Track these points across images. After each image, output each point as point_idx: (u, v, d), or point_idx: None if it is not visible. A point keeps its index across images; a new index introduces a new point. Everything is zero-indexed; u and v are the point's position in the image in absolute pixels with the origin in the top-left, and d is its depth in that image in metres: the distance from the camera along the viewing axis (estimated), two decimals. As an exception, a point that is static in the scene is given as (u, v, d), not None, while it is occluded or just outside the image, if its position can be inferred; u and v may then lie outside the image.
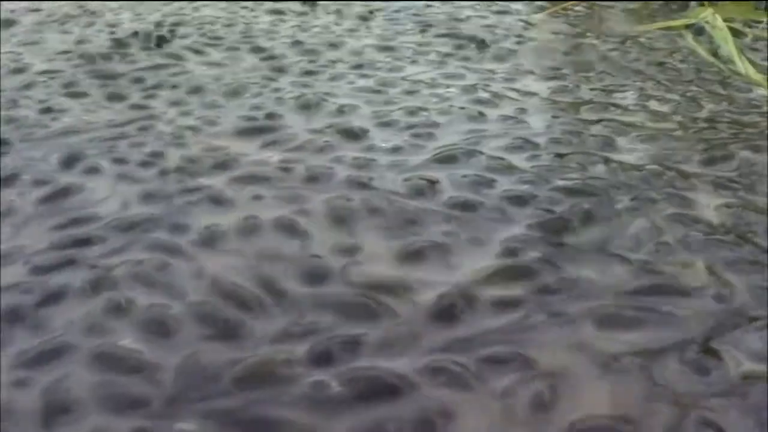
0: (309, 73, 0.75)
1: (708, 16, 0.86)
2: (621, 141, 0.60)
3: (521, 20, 0.92)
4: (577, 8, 0.98)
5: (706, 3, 0.96)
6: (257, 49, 0.82)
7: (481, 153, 0.57)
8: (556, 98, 0.68)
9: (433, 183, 0.54)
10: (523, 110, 0.65)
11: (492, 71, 0.75)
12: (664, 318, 0.41)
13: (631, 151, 0.58)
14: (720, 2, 0.95)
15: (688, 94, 0.70)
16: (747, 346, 0.39)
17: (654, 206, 0.51)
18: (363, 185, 0.53)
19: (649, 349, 0.39)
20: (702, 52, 0.81)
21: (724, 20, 0.88)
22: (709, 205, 0.51)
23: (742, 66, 0.76)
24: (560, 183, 0.53)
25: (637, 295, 0.43)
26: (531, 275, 0.44)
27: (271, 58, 0.79)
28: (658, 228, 0.48)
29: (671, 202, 0.51)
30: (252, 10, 0.97)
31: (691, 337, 0.40)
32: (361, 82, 0.72)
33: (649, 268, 0.45)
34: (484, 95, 0.68)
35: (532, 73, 0.74)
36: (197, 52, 0.82)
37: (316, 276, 0.44)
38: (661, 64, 0.78)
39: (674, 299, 0.43)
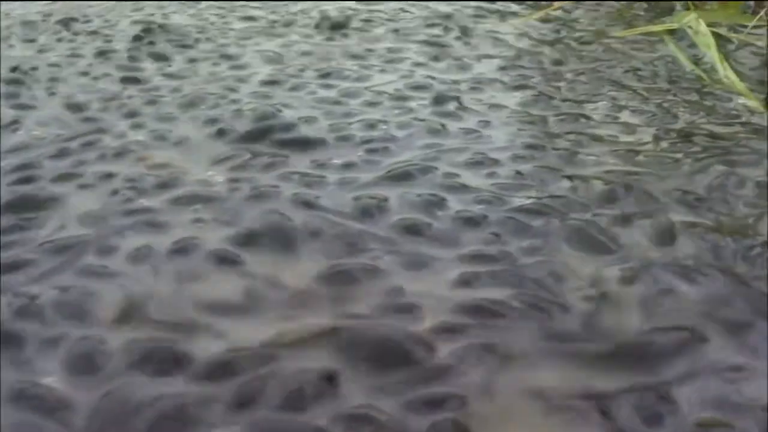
0: (271, 83, 0.72)
1: (691, 20, 0.83)
2: (587, 156, 0.56)
3: (500, 25, 0.89)
4: (557, 12, 0.95)
5: (691, 6, 0.93)
6: (224, 57, 0.79)
7: (437, 170, 0.54)
8: (524, 109, 0.65)
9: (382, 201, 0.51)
10: (487, 123, 0.62)
11: (460, 81, 0.72)
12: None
13: (597, 167, 0.55)
14: (709, 2, 0.92)
15: (665, 104, 0.66)
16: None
17: (610, 229, 0.48)
18: (308, 204, 0.50)
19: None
20: (683, 58, 0.77)
21: (709, 25, 0.85)
22: (672, 228, 0.48)
23: (725, 74, 0.73)
24: (516, 203, 0.50)
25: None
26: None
27: (237, 67, 0.77)
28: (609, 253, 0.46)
29: (629, 224, 0.48)
30: (223, 16, 0.94)
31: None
32: (323, 93, 0.69)
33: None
34: (449, 107, 0.65)
35: (502, 82, 0.71)
36: (160, 59, 0.79)
37: (242, 305, 0.41)
38: (638, 71, 0.74)
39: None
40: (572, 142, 0.58)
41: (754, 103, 0.67)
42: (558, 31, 0.87)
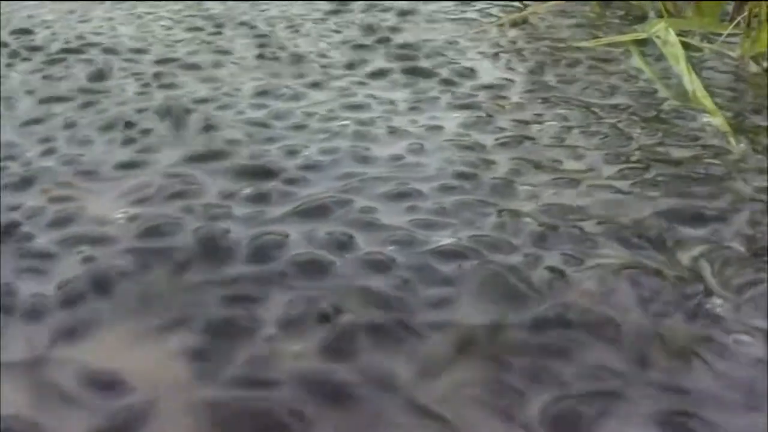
0: (201, 101, 0.67)
1: (660, 30, 0.77)
2: (523, 187, 0.51)
3: (461, 33, 0.84)
4: (525, 19, 0.89)
5: (665, 13, 0.87)
6: (156, 75, 0.74)
7: (354, 203, 0.49)
8: (463, 131, 0.59)
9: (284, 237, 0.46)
10: (419, 148, 0.56)
11: (398, 100, 0.66)
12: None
13: (532, 201, 0.49)
14: (692, 1, 0.87)
15: (620, 124, 0.61)
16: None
17: (533, 272, 0.42)
18: (206, 241, 0.45)
19: None
20: (648, 71, 0.72)
21: (681, 34, 0.79)
22: (607, 277, 0.42)
23: (692, 88, 0.68)
24: (432, 244, 0.45)
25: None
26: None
27: (166, 86, 0.71)
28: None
29: (558, 272, 0.43)
30: (169, 28, 0.89)
31: None
32: (251, 114, 0.64)
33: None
34: (380, 129, 0.60)
35: (445, 100, 0.66)
36: (93, 78, 0.74)
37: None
38: (597, 86, 0.69)
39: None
40: (510, 170, 0.53)
41: (720, 122, 0.61)
42: (519, 41, 0.82)
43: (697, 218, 0.48)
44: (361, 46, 0.81)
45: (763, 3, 0.75)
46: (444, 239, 0.45)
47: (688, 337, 0.38)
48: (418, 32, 0.85)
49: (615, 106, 0.64)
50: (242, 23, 0.92)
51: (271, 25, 0.90)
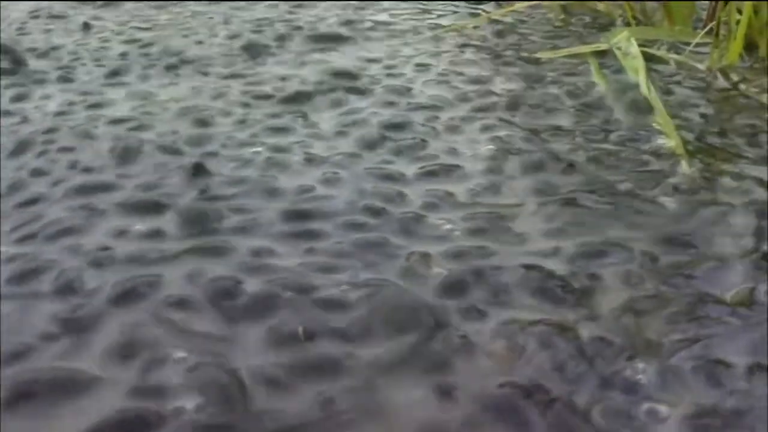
0: (118, 121, 0.62)
1: (622, 40, 0.71)
2: (438, 222, 0.46)
3: (406, 38, 0.78)
4: (494, 22, 0.83)
5: (633, 22, 0.81)
6: (86, 93, 0.69)
7: (247, 243, 0.44)
8: (385, 158, 0.54)
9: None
10: (333, 177, 0.51)
11: (319, 122, 0.60)
12: None
13: (444, 242, 0.44)
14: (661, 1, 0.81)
15: (559, 147, 0.55)
16: None
17: (434, 333, 0.37)
18: (68, 290, 0.40)
19: None
20: (604, 87, 0.66)
21: (645, 44, 0.73)
22: (517, 332, 0.37)
23: (651, 105, 0.62)
24: (322, 292, 0.39)
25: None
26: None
27: (95, 106, 0.66)
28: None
29: (464, 339, 0.37)
30: (107, 40, 0.84)
31: None
32: (147, 136, 0.58)
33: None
34: (297, 156, 0.54)
35: (373, 121, 0.60)
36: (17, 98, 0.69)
37: None
38: (545, 104, 0.62)
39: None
40: (426, 203, 0.48)
41: (674, 144, 0.55)
42: (467, 52, 0.75)
43: (626, 262, 0.42)
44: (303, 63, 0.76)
45: (732, 8, 0.69)
46: (335, 288, 0.40)
47: (602, 411, 0.33)
48: (359, 43, 0.80)
49: (561, 128, 0.58)
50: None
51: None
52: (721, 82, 0.67)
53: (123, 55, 0.78)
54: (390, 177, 0.51)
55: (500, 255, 0.42)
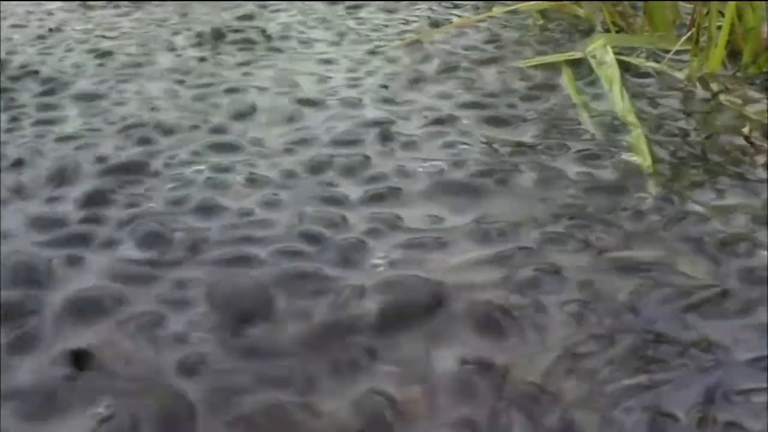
0: (69, 138, 0.59)
1: (597, 48, 0.68)
2: (377, 251, 0.42)
3: (376, 49, 0.75)
4: (454, 32, 0.80)
5: (612, 27, 0.77)
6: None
7: (167, 276, 0.41)
8: (333, 179, 0.50)
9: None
10: (274, 199, 0.48)
11: (265, 139, 0.56)
12: None
13: (381, 272, 0.41)
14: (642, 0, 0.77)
15: (522, 167, 0.52)
16: None
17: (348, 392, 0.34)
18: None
19: None
20: (575, 98, 0.62)
21: (624, 52, 0.70)
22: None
23: (622, 117, 0.58)
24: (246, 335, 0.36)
25: None
26: None
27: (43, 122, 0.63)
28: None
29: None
30: (70, 50, 0.81)
31: None
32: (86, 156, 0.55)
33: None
34: (239, 176, 0.51)
35: (325, 137, 0.56)
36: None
37: None
38: (512, 117, 0.58)
39: None
40: (368, 230, 0.44)
41: (642, 161, 0.52)
42: (435, 58, 0.71)
43: (563, 292, 0.39)
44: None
45: (713, 13, 0.66)
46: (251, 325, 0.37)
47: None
48: (318, 48, 0.77)
49: (523, 144, 0.55)
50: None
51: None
52: (701, 93, 0.63)
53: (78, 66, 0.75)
54: (334, 199, 0.48)
55: (433, 290, 0.39)
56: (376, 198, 0.48)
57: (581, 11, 0.80)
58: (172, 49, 0.78)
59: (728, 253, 0.42)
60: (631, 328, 0.36)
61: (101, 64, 0.75)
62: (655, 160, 0.52)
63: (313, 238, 0.43)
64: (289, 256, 0.42)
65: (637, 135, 0.55)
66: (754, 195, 0.48)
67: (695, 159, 0.52)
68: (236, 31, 0.83)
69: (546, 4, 0.82)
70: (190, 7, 0.95)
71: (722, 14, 0.68)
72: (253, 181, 0.50)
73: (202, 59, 0.75)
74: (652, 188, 0.49)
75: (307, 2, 0.94)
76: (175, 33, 0.84)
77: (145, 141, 0.57)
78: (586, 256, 0.42)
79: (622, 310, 0.38)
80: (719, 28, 0.66)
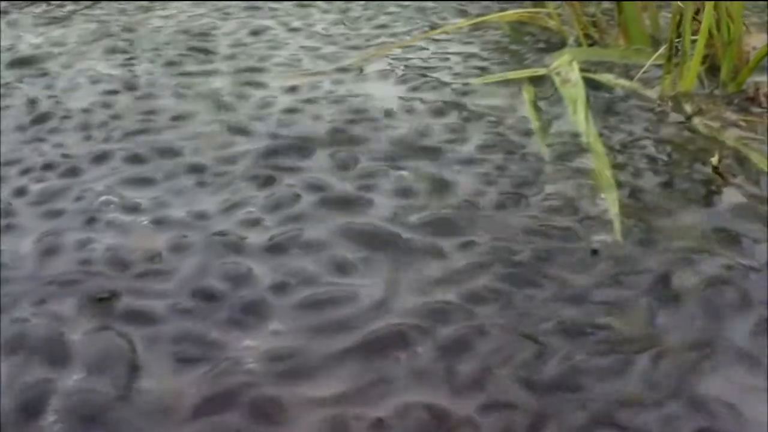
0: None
1: (563, 64, 0.62)
2: (272, 315, 0.37)
3: (330, 66, 0.70)
4: (416, 46, 0.74)
5: (584, 42, 0.72)
6: None
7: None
8: (245, 218, 0.45)
9: None
10: (179, 246, 0.43)
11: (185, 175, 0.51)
12: None
13: (271, 335, 0.36)
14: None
15: (458, 208, 0.46)
16: None
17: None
18: None
19: None
20: (534, 122, 0.57)
21: (594, 67, 0.64)
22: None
23: (587, 146, 0.53)
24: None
25: None
26: None
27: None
28: None
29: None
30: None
31: None
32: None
33: None
34: (143, 217, 0.46)
35: (244, 172, 0.50)
36: None
37: None
38: (461, 143, 0.53)
39: None
40: (274, 284, 0.39)
41: (608, 200, 0.46)
42: (390, 77, 0.66)
43: (490, 357, 0.34)
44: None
45: (687, 25, 0.60)
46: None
47: None
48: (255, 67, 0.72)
49: (468, 176, 0.49)
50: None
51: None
52: (674, 115, 0.58)
53: None
54: (237, 247, 0.42)
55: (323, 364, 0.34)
56: (285, 244, 0.43)
57: (552, 23, 0.74)
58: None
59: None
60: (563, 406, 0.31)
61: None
62: (619, 197, 0.46)
63: (209, 296, 0.38)
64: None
65: (601, 169, 0.49)
66: (718, 246, 0.42)
67: (662, 197, 0.47)
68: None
69: (516, 15, 0.77)
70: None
71: (698, 19, 0.62)
72: (160, 222, 0.45)
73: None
74: (616, 231, 0.43)
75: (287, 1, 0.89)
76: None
77: None
78: (522, 319, 0.37)
79: (549, 391, 0.32)
80: (695, 41, 0.61)
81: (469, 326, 0.36)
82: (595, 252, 0.41)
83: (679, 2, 0.60)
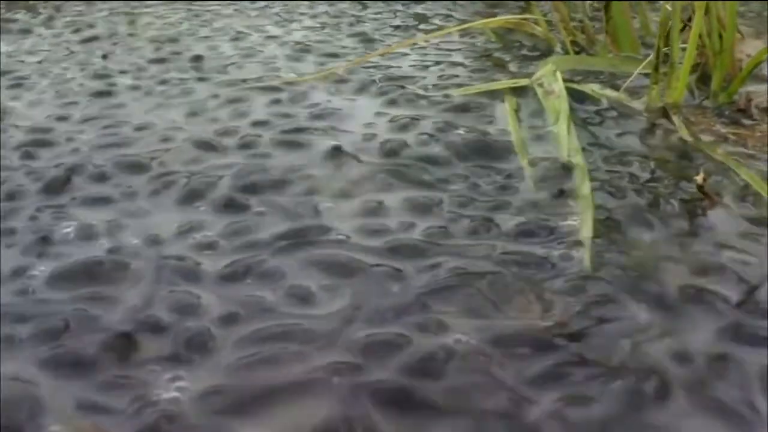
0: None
1: (546, 74, 0.60)
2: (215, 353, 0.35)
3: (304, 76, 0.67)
4: (397, 55, 0.71)
5: (571, 47, 0.69)
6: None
7: None
8: (196, 246, 0.43)
9: None
10: (128, 267, 0.41)
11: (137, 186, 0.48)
12: None
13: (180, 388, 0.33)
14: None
15: (427, 232, 0.44)
16: None
17: None
18: None
19: None
20: (515, 136, 0.54)
21: (575, 79, 0.62)
22: None
23: (568, 162, 0.50)
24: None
25: None
26: None
27: None
28: None
29: None
30: None
31: None
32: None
33: None
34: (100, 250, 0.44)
35: (167, 196, 0.48)
36: None
37: None
38: (431, 163, 0.50)
39: None
40: (225, 315, 0.37)
41: (582, 225, 0.43)
42: (368, 86, 0.63)
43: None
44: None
45: (675, 32, 0.57)
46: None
47: None
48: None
49: (442, 192, 0.47)
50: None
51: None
52: (661, 127, 0.55)
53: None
54: (188, 274, 0.40)
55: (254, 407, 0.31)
56: (234, 277, 0.40)
57: (539, 29, 0.72)
58: None
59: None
60: None
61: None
62: (595, 221, 0.43)
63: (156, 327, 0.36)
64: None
65: (582, 190, 0.46)
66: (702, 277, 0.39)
67: (636, 221, 0.44)
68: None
69: (502, 22, 0.74)
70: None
71: (687, 23, 0.59)
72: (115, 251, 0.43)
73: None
74: (586, 261, 0.40)
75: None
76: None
77: None
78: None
79: None
80: (684, 50, 0.58)
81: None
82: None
83: (667, 5, 0.58)
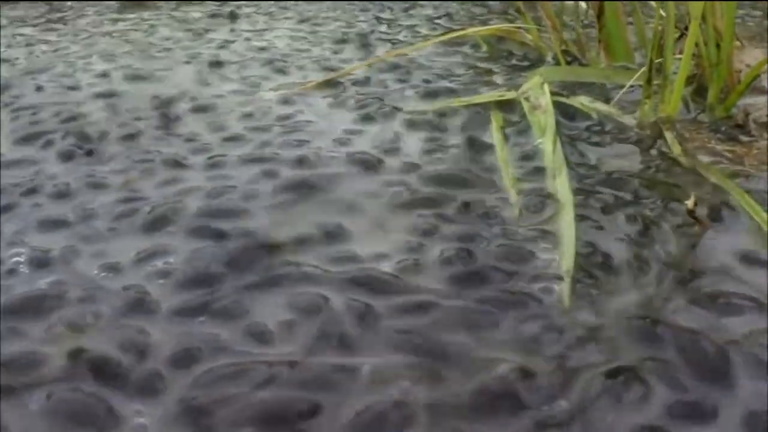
0: None
1: (533, 87, 0.57)
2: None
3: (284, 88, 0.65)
4: (382, 65, 0.68)
5: (563, 57, 0.66)
6: None
7: None
8: (151, 274, 0.41)
9: None
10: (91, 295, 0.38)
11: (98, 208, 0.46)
12: None
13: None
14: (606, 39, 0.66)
15: (393, 265, 0.41)
16: None
17: None
18: None
19: None
20: (500, 154, 0.51)
21: (571, 88, 0.59)
22: None
23: (554, 180, 0.47)
24: None
25: None
26: None
27: None
28: None
29: None
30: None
31: None
32: None
33: None
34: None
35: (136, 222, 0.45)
36: None
37: None
38: (414, 181, 0.48)
39: None
40: (171, 356, 0.34)
41: (563, 258, 0.40)
42: (350, 98, 0.61)
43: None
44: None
45: (668, 42, 0.54)
46: None
47: None
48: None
49: (421, 218, 0.44)
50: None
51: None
52: (653, 144, 0.52)
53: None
54: (137, 305, 0.38)
55: None
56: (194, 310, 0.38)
57: (530, 39, 0.69)
58: None
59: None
60: None
61: None
62: (578, 255, 0.40)
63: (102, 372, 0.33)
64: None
65: (566, 219, 0.42)
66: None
67: (632, 254, 0.41)
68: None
69: (493, 30, 0.71)
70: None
71: (683, 32, 0.56)
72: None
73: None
74: (565, 297, 0.37)
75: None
76: None
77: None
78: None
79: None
80: (680, 59, 0.55)
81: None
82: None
83: (661, 11, 0.55)
